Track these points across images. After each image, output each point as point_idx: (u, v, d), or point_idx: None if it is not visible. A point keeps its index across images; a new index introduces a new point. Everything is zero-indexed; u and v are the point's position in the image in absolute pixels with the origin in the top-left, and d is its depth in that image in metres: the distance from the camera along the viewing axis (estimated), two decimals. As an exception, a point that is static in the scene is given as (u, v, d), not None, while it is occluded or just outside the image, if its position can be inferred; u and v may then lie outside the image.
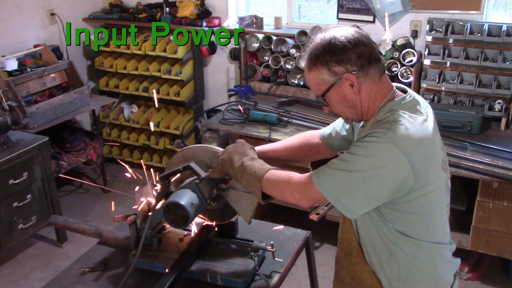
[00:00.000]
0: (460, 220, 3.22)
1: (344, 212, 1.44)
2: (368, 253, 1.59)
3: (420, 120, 1.45)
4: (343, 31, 1.45)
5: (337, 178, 1.42)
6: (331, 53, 1.44)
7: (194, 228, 1.92)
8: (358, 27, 1.53)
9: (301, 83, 4.00)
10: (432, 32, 3.52)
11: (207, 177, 1.68)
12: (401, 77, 3.60)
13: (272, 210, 3.81)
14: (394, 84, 1.57)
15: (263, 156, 1.73)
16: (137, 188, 1.92)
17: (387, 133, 1.38)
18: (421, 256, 1.54)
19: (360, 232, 1.59)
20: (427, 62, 3.59)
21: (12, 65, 3.84)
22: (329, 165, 1.44)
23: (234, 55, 4.24)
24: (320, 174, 1.44)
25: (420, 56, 3.61)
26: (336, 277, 1.74)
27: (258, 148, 1.79)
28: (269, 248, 1.81)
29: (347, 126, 1.76)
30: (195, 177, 1.70)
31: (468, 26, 3.37)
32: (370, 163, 1.38)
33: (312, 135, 1.87)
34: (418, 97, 1.55)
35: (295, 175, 1.52)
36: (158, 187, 1.82)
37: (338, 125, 1.80)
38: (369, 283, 1.60)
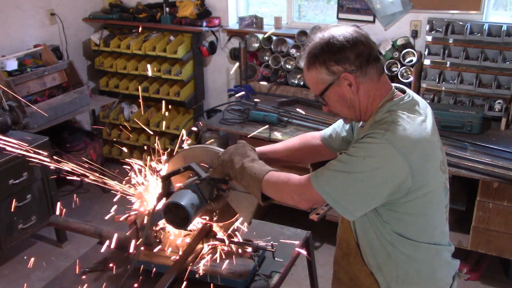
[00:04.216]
0: (460, 220, 3.22)
1: (343, 213, 1.44)
2: (366, 254, 1.59)
3: (418, 121, 1.44)
4: (342, 31, 1.45)
5: (335, 179, 1.41)
6: (329, 52, 1.44)
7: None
8: (357, 26, 1.53)
9: (301, 83, 4.00)
10: (432, 32, 3.52)
11: (208, 178, 1.68)
12: (401, 77, 3.60)
13: (272, 210, 3.81)
14: (393, 84, 1.57)
15: (263, 157, 1.73)
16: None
17: (385, 134, 1.38)
18: (419, 258, 1.54)
19: (358, 232, 1.59)
20: (427, 62, 3.59)
21: (12, 65, 3.84)
22: (328, 167, 1.44)
23: (234, 55, 4.25)
24: (319, 175, 1.44)
25: (420, 56, 3.61)
26: (335, 278, 1.73)
27: (258, 149, 1.79)
28: (269, 248, 1.81)
29: (347, 127, 1.76)
30: (196, 177, 1.70)
31: (468, 26, 3.37)
32: (368, 164, 1.37)
33: (313, 136, 1.87)
34: (417, 97, 1.54)
35: (294, 177, 1.52)
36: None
37: (338, 126, 1.80)
38: (367, 283, 1.60)
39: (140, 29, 4.32)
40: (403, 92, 1.54)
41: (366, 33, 1.48)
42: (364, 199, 1.41)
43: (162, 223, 1.89)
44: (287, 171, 1.57)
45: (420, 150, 1.41)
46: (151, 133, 4.36)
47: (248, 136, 3.10)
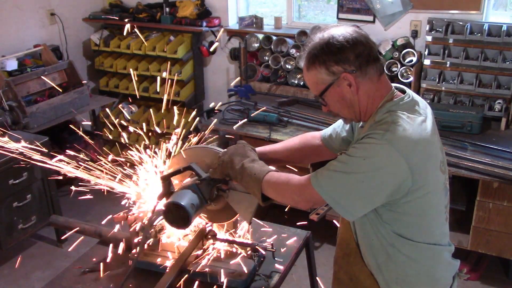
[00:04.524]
0: (460, 220, 3.22)
1: (343, 214, 1.44)
2: (365, 255, 1.58)
3: (418, 121, 1.44)
4: (342, 31, 1.45)
5: (335, 180, 1.41)
6: (329, 52, 1.44)
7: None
8: (357, 26, 1.53)
9: (301, 83, 4.00)
10: (432, 32, 3.52)
11: (208, 178, 1.68)
12: (401, 77, 3.60)
13: (273, 210, 3.81)
14: (393, 84, 1.56)
15: (263, 157, 1.73)
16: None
17: (385, 135, 1.38)
18: (419, 258, 1.53)
19: (358, 233, 1.58)
20: (427, 62, 3.59)
21: (12, 65, 3.84)
22: (328, 167, 1.44)
23: (234, 55, 4.24)
24: (319, 176, 1.44)
25: (420, 56, 3.61)
26: (335, 278, 1.73)
27: (259, 149, 1.79)
28: (269, 248, 1.81)
29: (347, 127, 1.75)
30: (196, 177, 1.69)
31: (468, 26, 3.38)
32: (368, 165, 1.37)
33: (313, 137, 1.86)
34: (417, 98, 1.54)
35: (294, 177, 1.52)
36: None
37: (338, 126, 1.79)
38: (367, 284, 1.60)
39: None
40: (403, 92, 1.54)
41: (366, 33, 1.48)
42: (364, 200, 1.41)
43: (162, 223, 1.89)
44: (287, 172, 1.57)
45: (420, 150, 1.41)
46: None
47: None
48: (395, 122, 1.40)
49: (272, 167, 1.61)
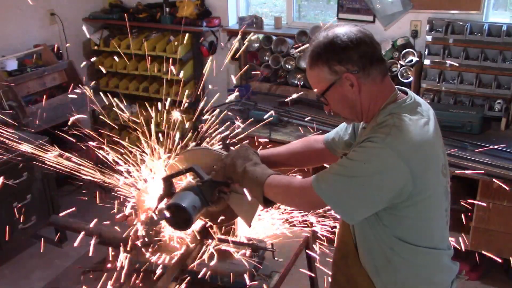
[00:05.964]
0: (460, 220, 3.22)
1: (343, 217, 1.43)
2: (363, 257, 1.57)
3: (421, 123, 1.43)
4: (346, 30, 1.44)
5: (336, 183, 1.40)
6: (332, 51, 1.43)
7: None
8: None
9: (301, 83, 4.00)
10: (432, 32, 3.52)
11: (210, 180, 1.67)
12: (401, 77, 3.60)
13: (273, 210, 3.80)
14: (396, 86, 1.55)
15: (266, 160, 1.71)
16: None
17: (385, 138, 1.36)
18: (418, 262, 1.52)
19: (357, 235, 1.57)
20: (427, 62, 3.59)
21: (12, 65, 3.84)
22: (329, 170, 1.43)
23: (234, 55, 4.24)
24: (320, 179, 1.43)
25: (420, 56, 3.61)
26: (333, 279, 1.72)
27: (261, 152, 1.78)
28: (269, 248, 1.81)
29: (350, 130, 1.74)
30: (198, 179, 1.69)
31: (468, 26, 3.38)
32: (369, 168, 1.36)
33: (316, 140, 1.85)
34: (419, 100, 1.52)
35: (296, 180, 1.51)
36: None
37: (341, 130, 1.78)
38: (364, 286, 1.58)
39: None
40: (405, 93, 1.53)
41: (371, 34, 1.47)
42: (365, 204, 1.40)
43: (162, 223, 1.89)
44: (291, 174, 1.56)
45: (422, 154, 1.39)
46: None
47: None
48: (397, 125, 1.39)
49: (274, 171, 1.60)
